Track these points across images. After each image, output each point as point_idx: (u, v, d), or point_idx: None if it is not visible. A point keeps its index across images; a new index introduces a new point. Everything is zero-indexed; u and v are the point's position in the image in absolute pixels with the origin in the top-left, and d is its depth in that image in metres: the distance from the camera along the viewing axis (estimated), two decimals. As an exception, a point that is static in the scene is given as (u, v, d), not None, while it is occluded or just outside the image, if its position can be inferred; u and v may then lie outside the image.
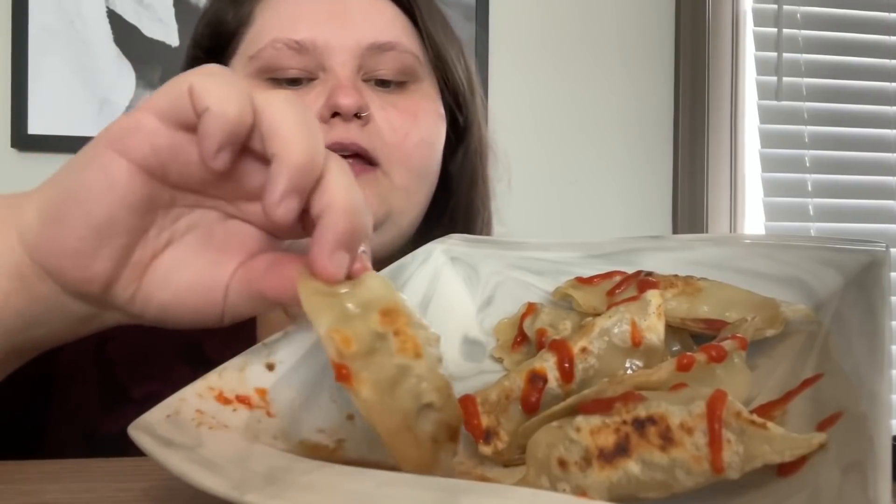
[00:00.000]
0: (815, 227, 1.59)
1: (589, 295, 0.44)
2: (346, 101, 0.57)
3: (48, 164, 1.42)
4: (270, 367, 0.36)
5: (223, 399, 0.34)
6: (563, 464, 0.30)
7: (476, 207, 0.71)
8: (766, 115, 1.58)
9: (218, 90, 0.30)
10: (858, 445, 0.26)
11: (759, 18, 1.59)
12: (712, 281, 0.43)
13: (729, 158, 1.54)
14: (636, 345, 0.37)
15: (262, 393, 0.35)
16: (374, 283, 0.32)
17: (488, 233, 0.72)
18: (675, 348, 0.40)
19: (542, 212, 1.51)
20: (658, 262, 0.45)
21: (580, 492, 0.29)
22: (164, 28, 1.40)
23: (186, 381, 0.34)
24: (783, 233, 1.56)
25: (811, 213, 1.59)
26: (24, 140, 1.37)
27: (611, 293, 0.43)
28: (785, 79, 1.58)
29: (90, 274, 0.33)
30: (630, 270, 0.45)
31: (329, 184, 0.32)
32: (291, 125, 0.31)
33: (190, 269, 0.35)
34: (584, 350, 0.37)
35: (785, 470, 0.28)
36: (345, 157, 0.58)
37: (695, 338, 0.41)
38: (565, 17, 1.55)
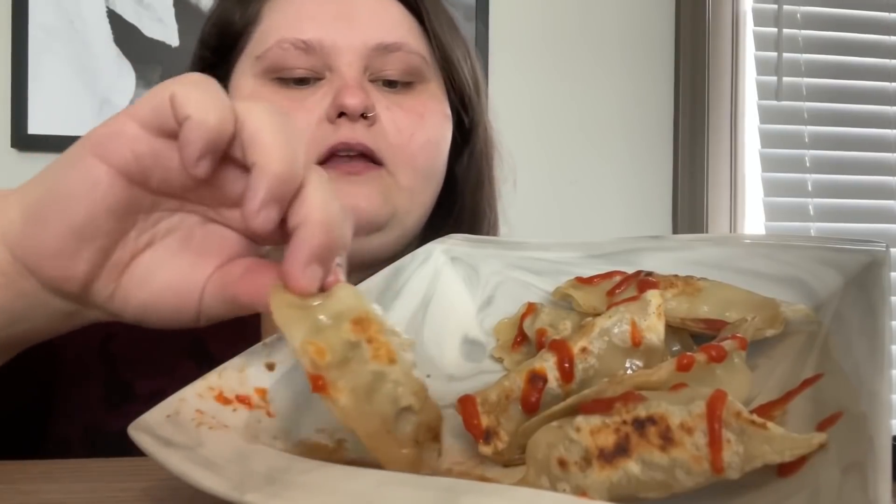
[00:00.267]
0: (815, 227, 1.59)
1: (589, 295, 0.44)
2: (353, 102, 0.57)
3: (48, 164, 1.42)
4: (270, 367, 0.36)
5: (223, 399, 0.34)
6: (563, 464, 0.30)
7: (482, 209, 0.71)
8: (766, 115, 1.58)
9: (199, 99, 0.31)
10: (858, 445, 0.26)
11: (759, 18, 1.59)
12: (712, 281, 0.43)
13: (729, 158, 1.54)
14: (636, 345, 0.37)
15: (262, 393, 0.35)
16: (345, 293, 0.33)
17: (494, 234, 0.72)
18: (675, 348, 0.40)
19: (543, 212, 1.51)
20: (658, 262, 0.45)
21: (580, 492, 0.29)
22: (164, 28, 1.40)
23: (191, 379, 0.35)
24: (783, 233, 1.56)
25: (811, 213, 1.59)
26: (24, 140, 1.37)
27: (611, 293, 0.43)
28: (785, 79, 1.58)
29: (70, 273, 0.34)
30: (630, 270, 0.45)
31: (307, 196, 0.32)
32: (272, 135, 0.32)
33: (168, 271, 0.36)
34: (584, 350, 0.37)
35: (785, 470, 0.28)
36: (350, 156, 0.59)
37: (695, 338, 0.41)
38: (565, 17, 1.55)
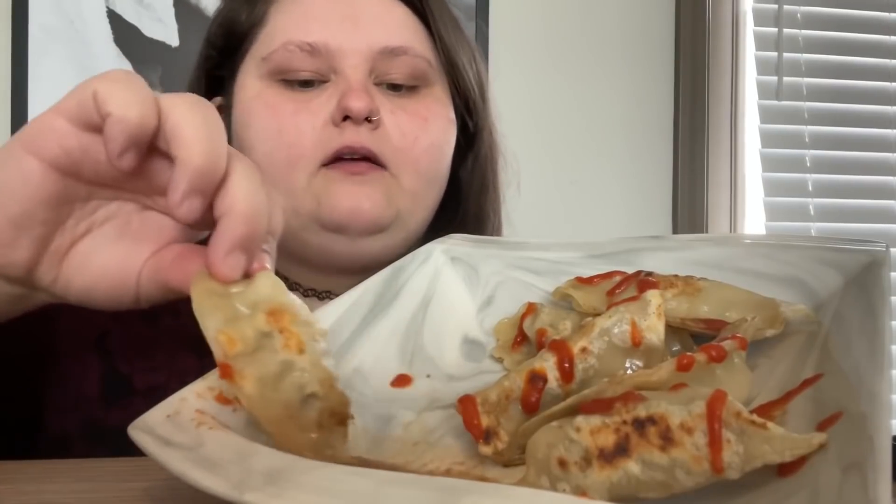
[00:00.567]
0: (815, 227, 1.59)
1: (589, 295, 0.44)
2: (357, 105, 0.57)
3: None
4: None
5: (223, 399, 0.34)
6: (563, 464, 0.30)
7: (486, 213, 0.71)
8: (766, 115, 1.58)
9: (120, 95, 0.32)
10: (858, 445, 0.26)
11: (760, 18, 1.59)
12: (712, 281, 0.43)
13: (729, 158, 1.54)
14: (636, 345, 0.37)
15: (262, 393, 0.35)
16: (266, 282, 0.34)
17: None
18: (675, 348, 0.40)
19: (543, 212, 1.51)
20: (658, 262, 0.45)
21: (580, 492, 0.29)
22: (164, 28, 1.40)
23: (190, 372, 0.35)
24: (783, 233, 1.56)
25: (811, 213, 1.59)
26: (24, 140, 1.37)
27: (611, 293, 0.43)
28: (785, 78, 1.58)
29: (11, 260, 0.35)
30: (630, 270, 0.45)
31: (230, 187, 0.33)
32: (193, 128, 0.33)
33: (105, 256, 0.37)
34: (584, 350, 0.37)
35: (785, 470, 0.28)
36: (354, 159, 0.59)
37: (695, 338, 0.41)
38: (565, 17, 1.55)
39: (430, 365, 0.45)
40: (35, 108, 1.37)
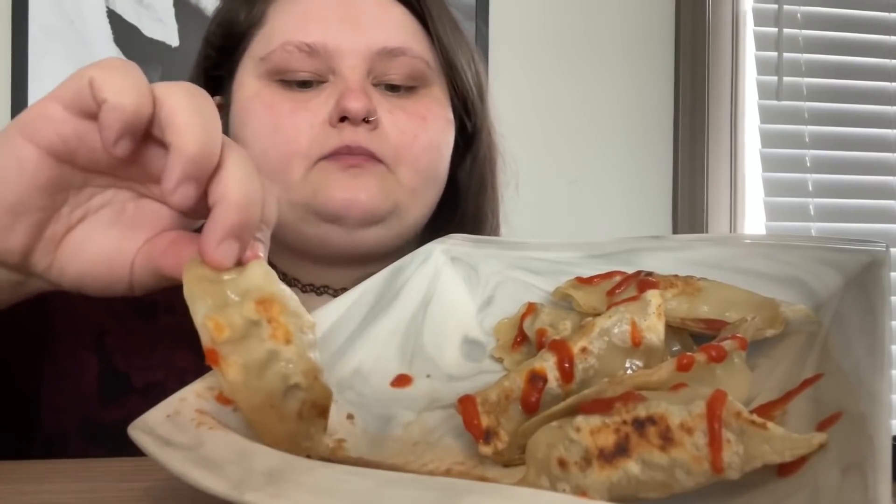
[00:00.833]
0: (815, 227, 1.59)
1: (589, 295, 0.44)
2: (355, 106, 0.57)
3: None
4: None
5: (223, 399, 0.34)
6: (563, 464, 0.30)
7: (484, 214, 0.71)
8: (766, 115, 1.58)
9: (115, 83, 0.32)
10: (858, 445, 0.26)
11: (760, 18, 1.59)
12: (712, 281, 0.43)
13: (729, 158, 1.54)
14: (636, 345, 0.37)
15: (261, 393, 0.35)
16: (258, 271, 0.34)
17: None
18: (675, 348, 0.40)
19: (543, 212, 1.51)
20: (658, 262, 0.45)
21: (580, 492, 0.29)
22: (164, 28, 1.40)
23: (188, 370, 0.35)
24: (783, 233, 1.56)
25: (812, 213, 1.59)
26: (24, 140, 1.37)
27: (611, 293, 0.43)
28: (785, 78, 1.58)
29: (6, 246, 0.36)
30: (630, 270, 0.45)
31: (224, 175, 0.34)
32: (187, 116, 0.33)
33: (99, 243, 0.37)
34: (584, 350, 0.37)
35: (785, 470, 0.28)
36: (352, 156, 0.59)
37: (695, 338, 0.41)
38: (565, 17, 1.55)
39: (430, 365, 0.45)
40: (35, 108, 1.37)
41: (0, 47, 1.37)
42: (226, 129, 0.64)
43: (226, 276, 0.34)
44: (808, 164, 1.60)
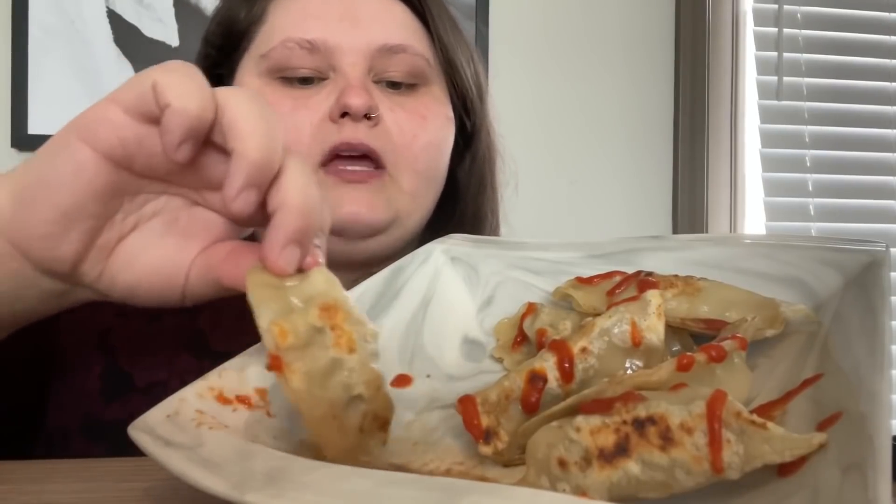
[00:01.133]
0: (815, 227, 1.59)
1: (589, 295, 0.44)
2: (357, 102, 0.57)
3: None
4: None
5: (223, 399, 0.34)
6: (563, 464, 0.30)
7: (484, 213, 0.71)
8: (766, 115, 1.58)
9: (179, 87, 0.32)
10: (858, 445, 0.26)
11: (760, 18, 1.59)
12: (712, 281, 0.43)
13: (729, 158, 1.54)
14: (636, 345, 0.37)
15: (262, 393, 0.36)
16: (320, 278, 0.34)
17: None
18: (675, 348, 0.40)
19: (543, 212, 1.51)
20: (658, 262, 0.45)
21: (580, 492, 0.29)
22: (164, 28, 1.40)
23: (190, 371, 0.35)
24: (783, 233, 1.56)
25: (812, 213, 1.59)
26: (24, 140, 1.37)
27: (611, 293, 0.43)
28: (785, 78, 1.58)
29: (58, 254, 0.35)
30: (630, 270, 0.45)
31: (285, 181, 0.33)
32: (251, 122, 0.33)
33: (153, 253, 0.37)
34: (584, 350, 0.37)
35: (785, 470, 0.28)
36: (353, 157, 0.59)
37: (695, 338, 0.41)
38: (565, 17, 1.55)
39: (430, 365, 0.45)
40: (35, 107, 1.37)
41: (0, 47, 1.37)
42: None
43: (288, 283, 0.33)
44: (808, 164, 1.60)
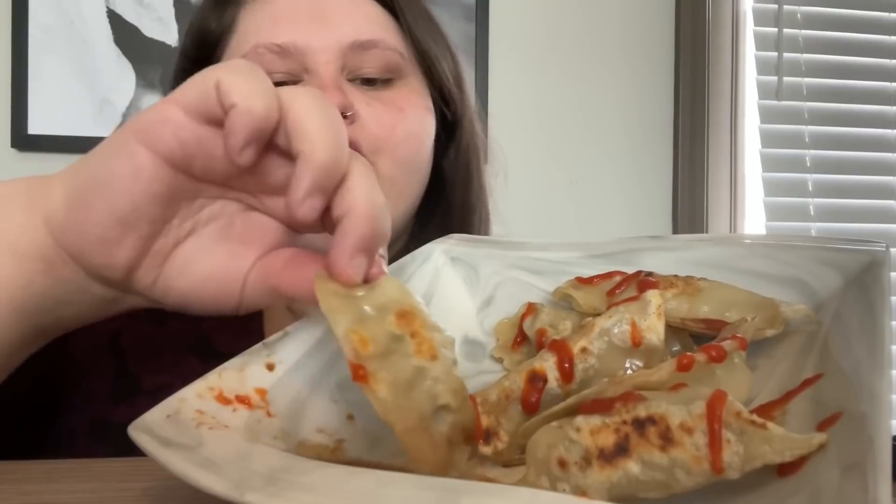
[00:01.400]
0: (815, 227, 1.59)
1: (589, 295, 0.44)
2: None
3: (48, 164, 1.42)
4: (270, 367, 0.36)
5: (223, 399, 0.34)
6: (563, 464, 0.30)
7: (471, 205, 0.70)
8: (766, 115, 1.58)
9: (245, 86, 0.31)
10: (858, 445, 0.26)
11: (760, 18, 1.59)
12: (712, 281, 0.43)
13: (729, 158, 1.54)
14: (636, 345, 0.37)
15: (262, 393, 0.35)
16: (390, 286, 0.33)
17: (486, 230, 0.72)
18: (675, 348, 0.40)
19: (543, 211, 1.51)
20: (658, 262, 0.45)
21: (580, 492, 0.29)
22: (164, 28, 1.40)
23: (196, 374, 0.35)
24: (783, 233, 1.56)
25: (812, 213, 1.59)
26: (24, 140, 1.37)
27: (611, 293, 0.43)
28: (785, 78, 1.58)
29: (113, 260, 0.34)
30: (630, 270, 0.45)
31: (352, 186, 0.32)
32: (317, 124, 0.31)
33: (210, 260, 0.36)
34: (584, 350, 0.37)
35: (785, 470, 0.28)
36: None
37: (695, 338, 0.41)
38: (565, 17, 1.55)
39: (430, 365, 0.45)
40: (35, 107, 1.37)
41: (0, 47, 1.37)
42: None
43: (358, 293, 0.32)
44: (808, 164, 1.60)
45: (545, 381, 0.36)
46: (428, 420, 0.31)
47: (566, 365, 0.36)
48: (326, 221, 0.33)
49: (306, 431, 0.35)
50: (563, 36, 1.55)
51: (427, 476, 0.27)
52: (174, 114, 0.32)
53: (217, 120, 0.32)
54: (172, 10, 1.40)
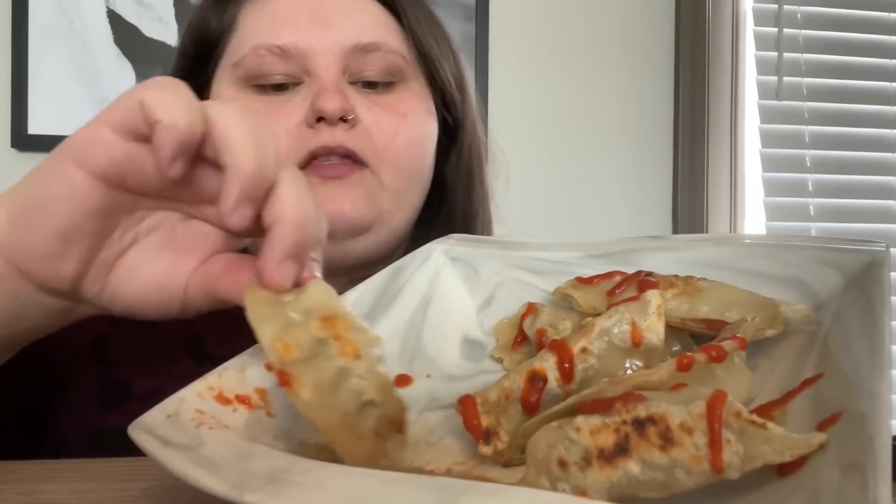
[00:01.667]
0: (815, 227, 1.59)
1: (589, 295, 0.44)
2: (330, 106, 0.56)
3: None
4: (270, 367, 0.36)
5: (223, 399, 0.34)
6: (563, 464, 0.30)
7: (474, 209, 0.70)
8: (766, 115, 1.58)
9: (167, 103, 0.32)
10: (858, 445, 0.26)
11: (760, 18, 1.59)
12: (712, 281, 0.43)
13: (729, 158, 1.54)
14: (636, 345, 0.37)
15: (262, 393, 0.36)
16: (317, 290, 0.34)
17: (488, 234, 0.72)
18: (675, 348, 0.40)
19: (543, 212, 1.51)
20: (658, 262, 0.45)
21: (580, 492, 0.29)
22: (164, 28, 1.40)
23: (189, 376, 0.35)
24: (783, 233, 1.56)
25: (811, 213, 1.59)
26: (24, 140, 1.37)
27: (611, 293, 0.43)
28: (785, 78, 1.58)
29: (59, 273, 0.35)
30: (630, 270, 0.45)
31: (281, 194, 0.33)
32: (242, 136, 0.33)
33: (152, 268, 0.37)
34: (584, 350, 0.37)
35: (785, 470, 0.28)
36: (332, 163, 0.58)
37: (695, 338, 0.41)
38: (565, 17, 1.55)
39: (430, 365, 0.45)
40: (35, 108, 1.37)
41: (0, 47, 1.37)
42: None
43: (286, 298, 0.33)
44: (808, 164, 1.60)
45: (545, 381, 0.36)
46: (353, 416, 0.33)
47: (566, 365, 0.36)
48: (262, 227, 0.34)
49: (306, 431, 0.35)
50: (563, 36, 1.55)
51: (427, 476, 0.27)
52: (103, 133, 0.33)
53: (145, 137, 0.33)
54: (172, 10, 1.40)
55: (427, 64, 0.64)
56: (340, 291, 0.45)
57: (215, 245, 0.38)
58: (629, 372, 0.37)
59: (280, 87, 0.59)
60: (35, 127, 1.37)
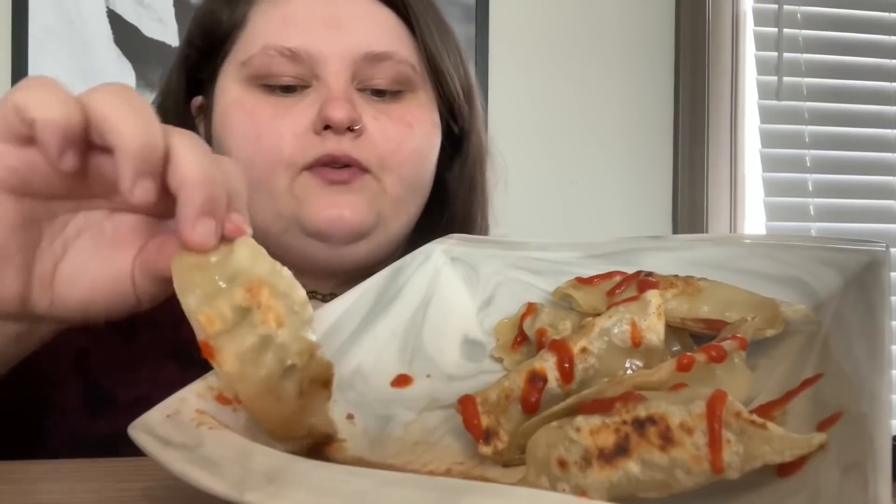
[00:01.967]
0: (815, 227, 1.59)
1: (589, 295, 0.44)
2: (338, 116, 0.56)
3: None
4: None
5: (223, 399, 0.34)
6: (563, 464, 0.30)
7: (473, 216, 0.70)
8: (766, 115, 1.58)
9: (39, 100, 0.32)
10: (858, 445, 0.26)
11: (760, 18, 1.59)
12: (712, 281, 0.43)
13: (729, 158, 1.54)
14: (636, 345, 0.37)
15: (261, 393, 0.35)
16: (244, 252, 0.34)
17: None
18: (675, 348, 0.40)
19: (543, 212, 1.51)
20: (658, 262, 0.45)
21: (580, 492, 0.29)
22: (164, 28, 1.40)
23: (175, 381, 0.35)
24: (783, 233, 1.56)
25: (811, 213, 1.59)
26: (24, 140, 1.37)
27: (611, 293, 0.43)
28: (785, 78, 1.58)
29: (1, 295, 0.35)
30: (630, 270, 0.45)
31: (176, 161, 0.33)
32: (121, 115, 0.32)
33: (92, 268, 0.37)
34: (584, 350, 0.37)
35: (785, 470, 0.28)
36: (336, 167, 0.58)
37: (695, 338, 0.41)
38: (565, 17, 1.55)
39: (430, 365, 0.45)
40: (35, 108, 1.37)
41: (0, 47, 1.37)
42: (208, 130, 0.63)
43: (213, 258, 0.34)
44: (808, 164, 1.60)
45: (545, 381, 0.36)
46: (275, 382, 0.33)
47: (566, 365, 0.36)
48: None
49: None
50: (563, 36, 1.55)
51: (427, 476, 0.27)
52: None
53: (31, 139, 0.33)
54: (172, 10, 1.40)
55: (437, 75, 0.64)
56: (336, 294, 0.45)
57: (147, 231, 0.38)
58: (629, 372, 0.37)
59: (288, 89, 0.59)
60: (35, 127, 1.37)
